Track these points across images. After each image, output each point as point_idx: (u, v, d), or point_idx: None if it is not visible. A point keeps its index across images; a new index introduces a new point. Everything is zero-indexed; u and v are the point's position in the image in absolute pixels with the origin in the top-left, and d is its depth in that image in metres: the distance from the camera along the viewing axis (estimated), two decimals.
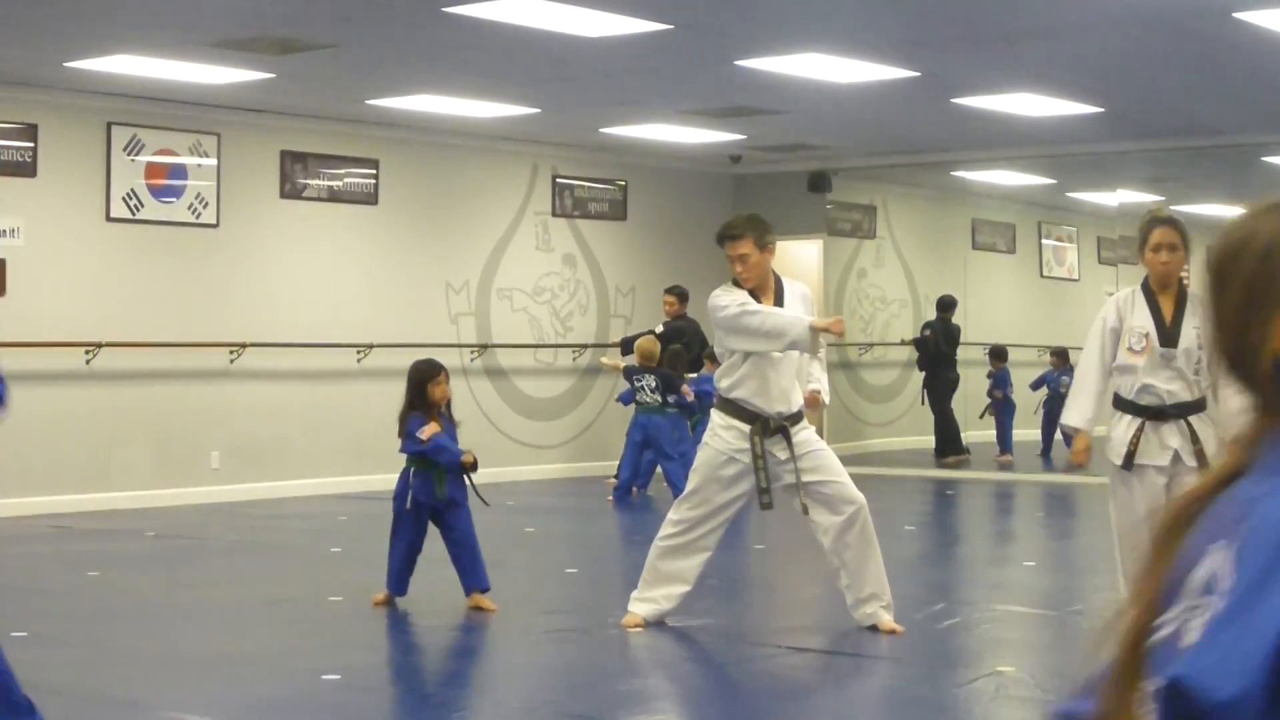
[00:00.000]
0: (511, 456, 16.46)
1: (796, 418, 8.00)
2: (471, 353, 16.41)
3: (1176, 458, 7.12)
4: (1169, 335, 7.12)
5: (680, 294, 16.14)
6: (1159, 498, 7.02)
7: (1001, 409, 18.96)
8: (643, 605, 8.22)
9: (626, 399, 15.11)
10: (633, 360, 15.08)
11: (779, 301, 7.98)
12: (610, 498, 14.88)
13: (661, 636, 8.12)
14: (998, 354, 19.18)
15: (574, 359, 17.38)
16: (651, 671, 7.63)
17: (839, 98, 13.69)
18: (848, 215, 19.38)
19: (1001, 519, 15.35)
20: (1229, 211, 22.85)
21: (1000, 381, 19.03)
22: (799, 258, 19.26)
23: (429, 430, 8.64)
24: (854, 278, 19.59)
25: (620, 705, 6.81)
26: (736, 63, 12.19)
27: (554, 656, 7.84)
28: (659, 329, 15.80)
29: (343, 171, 15.40)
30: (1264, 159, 17.35)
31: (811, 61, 12.15)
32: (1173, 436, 7.11)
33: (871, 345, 19.69)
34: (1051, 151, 17.45)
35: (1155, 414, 7.13)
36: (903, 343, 19.57)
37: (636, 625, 8.15)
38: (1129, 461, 7.13)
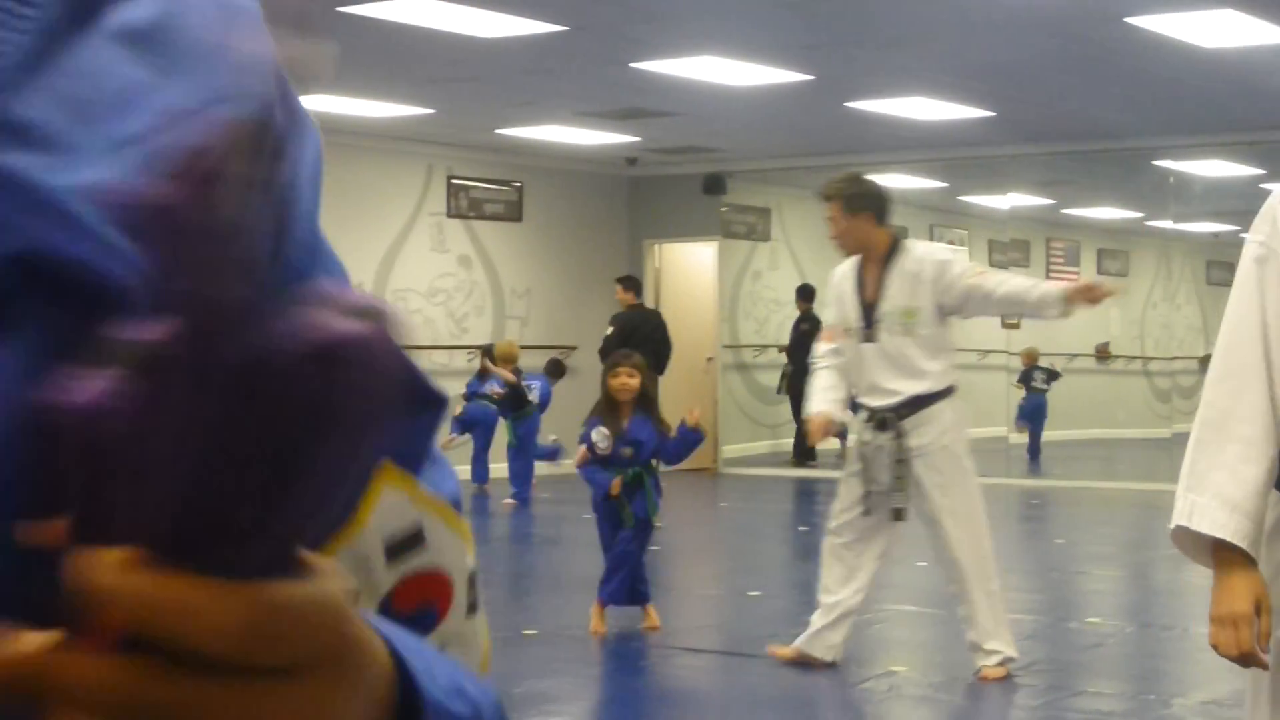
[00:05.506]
0: None
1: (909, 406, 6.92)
2: None
3: None
4: None
5: (627, 283, 16.41)
6: None
7: None
8: None
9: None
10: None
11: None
12: (510, 500, 14.84)
13: (566, 641, 8.09)
14: None
15: (469, 361, 17.29)
16: (556, 674, 7.59)
17: (734, 100, 13.72)
18: (742, 218, 19.43)
19: None
20: (1121, 215, 23.18)
21: None
22: (694, 260, 19.30)
23: (580, 455, 7.73)
24: (749, 280, 19.65)
25: (516, 708, 6.78)
26: (632, 65, 12.19)
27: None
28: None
29: None
30: (1155, 162, 17.56)
31: (706, 64, 12.17)
32: None
33: (765, 348, 19.75)
34: (944, 155, 17.58)
35: None
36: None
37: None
38: None
